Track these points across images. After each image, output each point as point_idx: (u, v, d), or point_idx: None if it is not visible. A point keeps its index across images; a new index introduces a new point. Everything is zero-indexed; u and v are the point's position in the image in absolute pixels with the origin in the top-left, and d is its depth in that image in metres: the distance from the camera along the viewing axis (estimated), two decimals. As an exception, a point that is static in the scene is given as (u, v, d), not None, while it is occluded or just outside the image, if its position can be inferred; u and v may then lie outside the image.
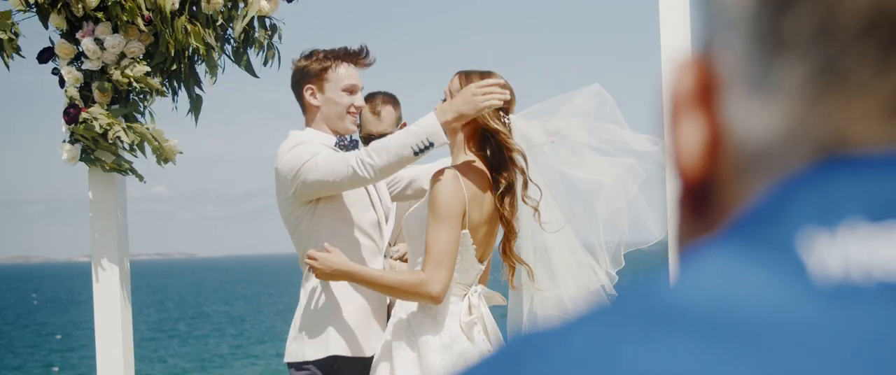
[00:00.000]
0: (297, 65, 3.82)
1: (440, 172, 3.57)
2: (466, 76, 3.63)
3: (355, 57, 3.78)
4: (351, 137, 3.84)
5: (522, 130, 3.63)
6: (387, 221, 3.86)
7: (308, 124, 3.81)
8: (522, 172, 3.60)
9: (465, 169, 3.59)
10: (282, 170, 3.68)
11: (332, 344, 3.67)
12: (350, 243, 3.70)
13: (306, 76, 3.77)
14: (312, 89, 3.76)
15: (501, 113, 3.59)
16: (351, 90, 3.76)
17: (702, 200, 0.45)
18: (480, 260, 3.67)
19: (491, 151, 3.61)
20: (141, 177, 4.32)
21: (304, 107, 3.82)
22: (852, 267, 0.38)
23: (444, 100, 3.65)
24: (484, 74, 3.64)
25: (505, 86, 3.52)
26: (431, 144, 3.42)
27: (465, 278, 3.66)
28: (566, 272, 3.66)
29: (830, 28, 0.40)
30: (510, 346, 0.41)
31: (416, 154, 3.44)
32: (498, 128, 3.57)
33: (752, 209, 0.42)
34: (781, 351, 0.37)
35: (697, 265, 0.41)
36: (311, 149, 3.62)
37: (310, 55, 3.79)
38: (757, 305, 0.38)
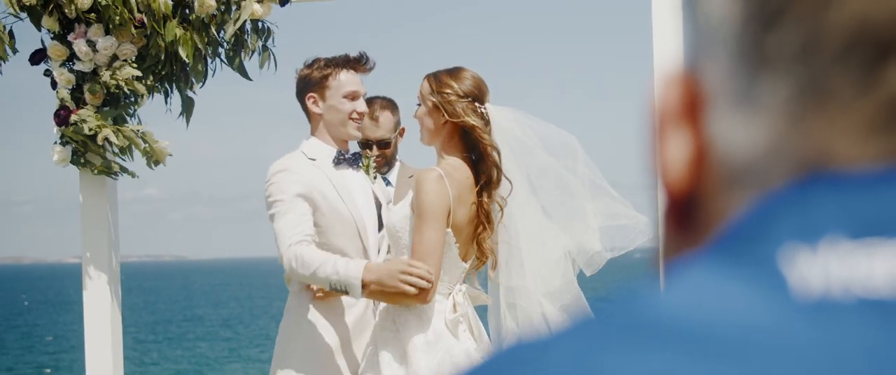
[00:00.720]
0: (299, 75, 3.85)
1: (426, 173, 3.60)
2: (435, 77, 3.67)
3: (356, 63, 3.81)
4: (354, 153, 3.85)
5: (499, 120, 3.66)
6: (379, 252, 3.86)
7: (312, 133, 3.85)
8: (496, 167, 3.63)
9: (449, 169, 3.62)
10: (264, 192, 3.75)
11: (298, 369, 3.71)
12: None
13: (308, 85, 3.81)
14: (314, 97, 3.80)
15: (476, 104, 3.62)
16: (352, 96, 3.79)
17: (687, 214, 0.46)
18: (465, 259, 3.70)
19: (471, 147, 3.65)
20: (133, 174, 4.30)
21: (308, 115, 3.86)
22: (833, 284, 0.39)
23: (419, 104, 3.70)
24: (452, 72, 3.67)
25: (429, 280, 3.54)
26: (346, 292, 3.55)
27: (449, 276, 3.68)
28: (535, 268, 3.68)
29: (814, 46, 0.40)
30: (495, 358, 0.41)
31: (331, 287, 3.57)
32: (473, 123, 3.61)
33: (734, 224, 0.42)
34: (762, 367, 0.37)
35: (681, 279, 0.41)
36: (286, 187, 3.65)
37: (311, 64, 3.83)
38: (738, 320, 0.38)
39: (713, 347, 0.38)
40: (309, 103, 3.81)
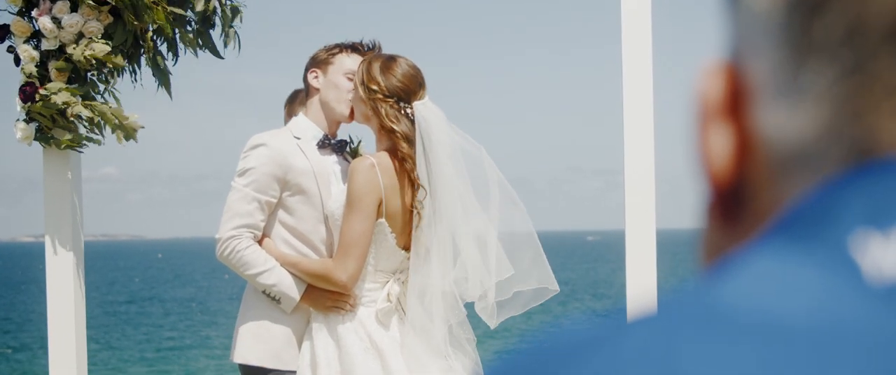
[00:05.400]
0: (310, 56, 3.92)
1: (358, 161, 3.59)
2: (368, 68, 3.65)
3: (362, 49, 3.86)
4: (340, 140, 3.86)
5: (425, 117, 3.61)
6: None
7: (306, 112, 3.87)
8: (411, 173, 3.59)
9: (384, 157, 3.60)
10: (239, 161, 3.76)
11: (256, 354, 3.73)
12: (295, 252, 3.75)
13: (314, 62, 3.88)
14: (316, 72, 3.86)
15: (401, 104, 3.59)
16: (353, 77, 3.81)
17: (734, 205, 0.45)
18: (404, 248, 3.68)
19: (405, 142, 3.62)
20: (99, 142, 4.25)
21: (307, 89, 3.90)
22: None
23: (354, 89, 3.70)
24: (384, 64, 3.64)
25: (352, 305, 3.67)
26: (278, 301, 3.71)
27: (385, 266, 3.68)
28: (441, 268, 3.65)
29: (859, 30, 0.40)
30: (558, 343, 0.41)
31: (264, 292, 3.71)
32: (393, 127, 3.58)
33: (793, 211, 0.42)
34: (844, 355, 0.37)
35: (745, 267, 0.41)
36: (260, 164, 3.68)
37: (324, 47, 3.91)
38: (815, 308, 0.38)
39: (792, 338, 0.37)
40: (310, 77, 3.86)
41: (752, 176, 0.45)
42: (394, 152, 3.62)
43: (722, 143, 0.45)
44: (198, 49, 4.28)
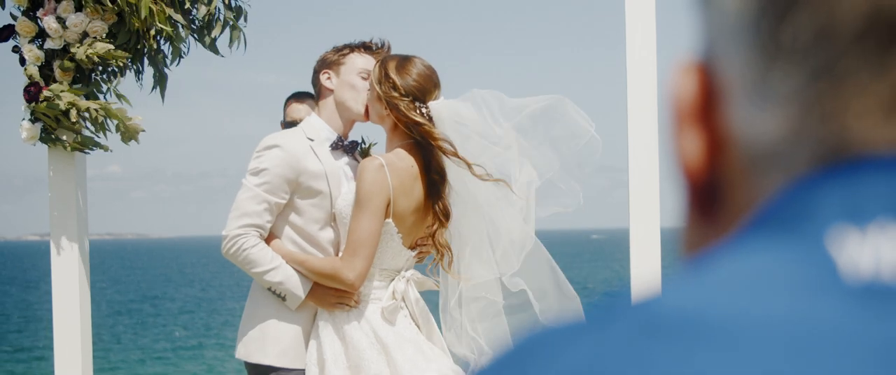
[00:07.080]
0: (319, 58, 3.93)
1: (367, 162, 3.60)
2: (383, 68, 3.67)
3: (372, 48, 3.87)
4: (351, 141, 3.88)
5: (441, 117, 3.63)
6: None
7: (319, 112, 3.88)
8: (455, 155, 3.61)
9: (393, 158, 3.61)
10: (251, 161, 3.77)
11: (264, 353, 3.74)
12: (302, 252, 3.77)
13: (324, 63, 3.89)
14: (329, 74, 3.86)
15: (417, 104, 3.61)
16: (366, 75, 3.83)
17: (710, 201, 0.46)
18: (411, 248, 3.71)
19: (419, 141, 3.64)
20: (106, 148, 4.27)
21: (320, 91, 3.90)
22: (883, 267, 0.38)
23: (369, 89, 3.72)
24: (400, 65, 3.66)
25: (357, 301, 3.70)
26: (283, 298, 3.72)
27: (391, 265, 3.71)
28: (473, 261, 3.68)
29: (829, 32, 0.41)
30: (531, 343, 0.41)
31: (270, 289, 3.72)
32: (417, 119, 3.60)
33: (769, 208, 0.42)
34: (821, 356, 0.36)
35: (721, 265, 0.41)
36: (273, 166, 3.68)
37: (333, 48, 3.91)
38: (792, 309, 0.38)
39: (769, 337, 0.37)
40: (322, 78, 3.86)
41: (725, 173, 0.45)
42: (412, 148, 3.64)
43: (695, 142, 0.46)
44: (203, 46, 4.29)
